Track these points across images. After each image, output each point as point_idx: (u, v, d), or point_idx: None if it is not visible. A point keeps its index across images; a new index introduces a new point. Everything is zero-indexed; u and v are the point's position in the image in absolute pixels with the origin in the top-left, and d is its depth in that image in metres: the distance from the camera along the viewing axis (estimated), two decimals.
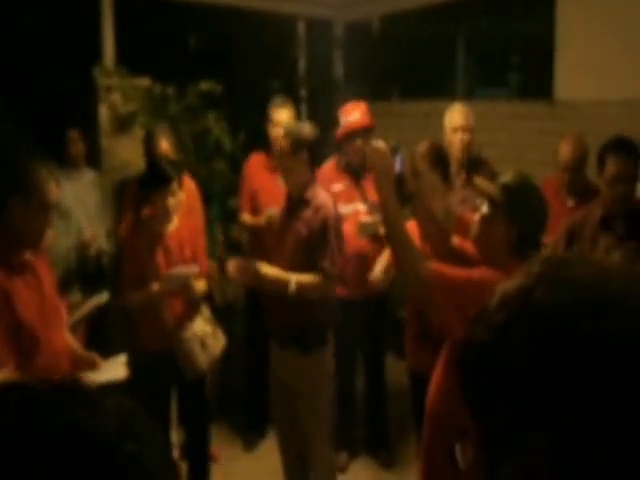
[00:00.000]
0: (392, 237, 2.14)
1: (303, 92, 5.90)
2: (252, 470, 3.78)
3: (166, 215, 3.00)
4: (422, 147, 2.68)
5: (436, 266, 2.08)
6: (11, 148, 3.79)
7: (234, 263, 2.91)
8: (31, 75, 4.71)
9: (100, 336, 3.70)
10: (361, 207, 3.61)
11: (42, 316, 2.31)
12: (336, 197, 3.22)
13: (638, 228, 2.90)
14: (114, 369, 2.65)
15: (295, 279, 2.82)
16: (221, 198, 4.55)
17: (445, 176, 2.68)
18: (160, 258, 3.04)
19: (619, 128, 3.22)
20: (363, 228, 3.48)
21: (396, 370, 3.99)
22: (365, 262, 3.42)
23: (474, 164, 3.67)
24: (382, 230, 3.13)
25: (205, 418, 3.36)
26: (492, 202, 2.15)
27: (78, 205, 3.98)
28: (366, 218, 3.53)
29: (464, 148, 3.67)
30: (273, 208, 3.52)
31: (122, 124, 4.37)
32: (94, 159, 4.36)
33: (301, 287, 2.82)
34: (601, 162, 2.91)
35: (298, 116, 4.10)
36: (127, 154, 4.30)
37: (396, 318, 2.99)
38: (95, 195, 4.16)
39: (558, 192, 3.44)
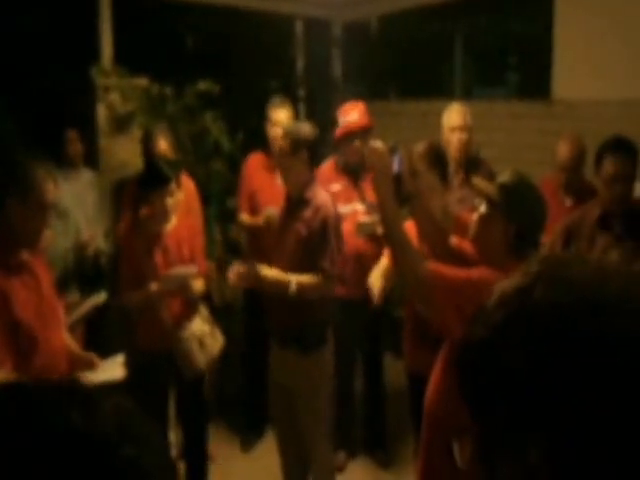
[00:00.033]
0: (390, 237, 2.14)
1: (301, 92, 5.91)
2: (250, 470, 3.78)
3: (164, 215, 3.00)
4: (420, 147, 2.68)
5: (434, 266, 2.08)
6: (9, 148, 3.79)
7: (235, 270, 2.90)
8: (29, 75, 4.70)
9: (98, 336, 3.70)
10: (359, 207, 3.61)
11: (40, 316, 2.31)
12: (334, 197, 3.22)
13: (636, 228, 2.91)
14: (112, 369, 2.65)
15: (295, 280, 2.82)
16: (219, 198, 4.54)
17: (443, 176, 2.68)
18: (158, 258, 3.04)
19: (617, 128, 3.22)
20: (360, 228, 3.49)
21: (394, 370, 3.99)
22: (363, 262, 3.43)
23: (472, 164, 3.68)
24: (380, 230, 3.13)
25: (203, 418, 3.36)
26: (490, 202, 2.15)
27: (76, 205, 3.98)
28: (364, 218, 3.53)
29: (462, 148, 3.67)
30: (271, 208, 3.52)
31: (120, 124, 4.37)
32: (92, 159, 4.36)
33: (301, 288, 2.82)
34: (599, 162, 2.92)
35: (296, 116, 4.10)
36: (125, 154, 4.30)
37: (394, 318, 2.99)
38: (93, 195, 4.16)
39: (556, 192, 3.44)
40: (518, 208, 2.10)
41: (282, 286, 2.82)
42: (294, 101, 4.35)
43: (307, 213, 2.88)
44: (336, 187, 3.59)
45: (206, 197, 4.05)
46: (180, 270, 3.03)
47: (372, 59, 6.15)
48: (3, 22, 4.47)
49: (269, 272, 2.87)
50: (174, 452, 3.47)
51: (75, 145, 4.08)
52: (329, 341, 3.00)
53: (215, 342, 3.18)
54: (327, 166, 3.72)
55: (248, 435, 4.05)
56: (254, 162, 3.99)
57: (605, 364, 0.60)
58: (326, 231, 2.86)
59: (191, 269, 3.06)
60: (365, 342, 3.80)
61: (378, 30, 6.24)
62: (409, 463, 3.36)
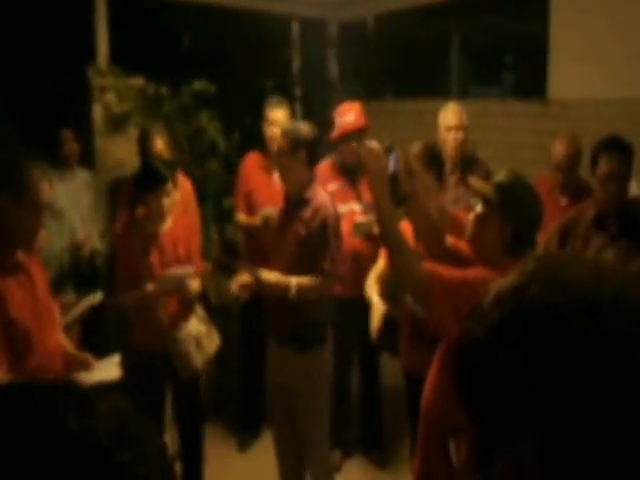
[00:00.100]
0: (386, 238, 2.14)
1: (297, 92, 5.90)
2: (246, 470, 3.77)
3: (160, 215, 3.00)
4: (416, 147, 2.68)
5: (431, 266, 2.08)
6: (4, 148, 3.78)
7: (239, 281, 2.89)
8: (24, 74, 4.69)
9: (94, 336, 3.69)
10: (356, 207, 3.61)
11: (35, 317, 2.30)
12: (332, 197, 3.22)
13: (630, 227, 2.91)
14: (108, 369, 2.65)
15: (295, 282, 2.81)
16: (215, 198, 4.54)
17: (439, 176, 2.69)
18: (154, 258, 3.03)
19: (613, 128, 3.23)
20: (357, 228, 3.49)
21: (391, 370, 3.98)
22: (360, 261, 3.43)
23: (468, 163, 3.69)
24: (376, 230, 3.13)
25: (199, 418, 3.36)
26: (486, 201, 2.16)
27: (72, 205, 3.96)
28: (361, 218, 3.53)
29: (458, 147, 3.68)
30: (269, 208, 3.52)
31: (116, 124, 4.36)
32: (88, 159, 4.35)
33: (301, 290, 2.82)
34: (594, 161, 2.92)
35: (293, 116, 4.10)
36: (121, 154, 4.29)
37: (391, 318, 2.98)
38: (89, 195, 4.15)
39: (551, 191, 3.45)
40: (514, 208, 2.10)
41: (282, 289, 2.82)
42: (290, 101, 4.35)
43: (306, 213, 2.87)
44: (333, 187, 3.58)
45: (202, 197, 4.05)
46: (177, 270, 3.03)
47: (368, 59, 6.15)
48: None
49: (269, 276, 2.86)
50: (170, 452, 3.46)
51: (71, 145, 4.07)
52: (328, 340, 3.00)
53: (211, 342, 3.18)
54: (324, 166, 3.72)
55: (245, 435, 4.05)
56: (251, 162, 3.99)
57: (601, 363, 0.60)
58: (326, 231, 2.85)
59: (188, 269, 3.06)
60: (361, 341, 3.80)
61: (374, 30, 6.25)
62: (406, 463, 3.36)
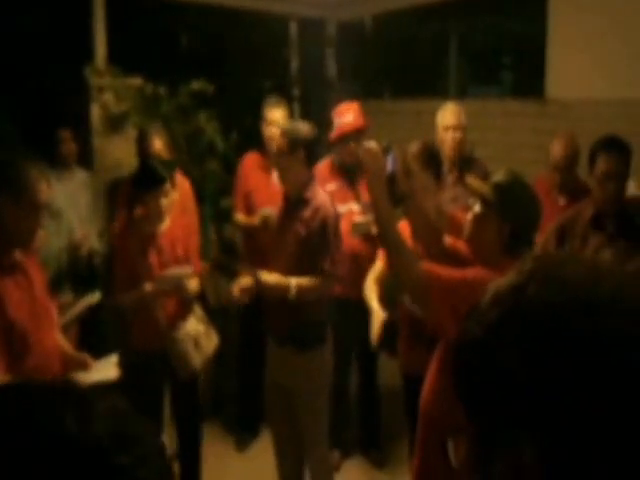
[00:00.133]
0: (385, 238, 2.13)
1: (296, 92, 5.90)
2: (244, 470, 3.77)
3: (158, 216, 3.00)
4: (414, 147, 2.68)
5: (429, 266, 2.08)
6: (3, 148, 3.77)
7: (240, 285, 2.89)
8: (22, 74, 4.68)
9: (92, 336, 3.69)
10: (355, 207, 3.61)
11: (33, 317, 2.30)
12: (330, 197, 3.22)
13: (628, 227, 2.92)
14: (105, 369, 2.64)
15: (295, 283, 2.81)
16: (214, 198, 4.54)
17: (437, 175, 2.69)
18: (152, 258, 3.03)
19: (611, 127, 3.23)
20: (356, 228, 3.49)
21: (389, 370, 3.99)
22: (359, 261, 3.43)
23: (466, 163, 3.69)
24: (375, 230, 3.13)
25: (197, 418, 3.36)
26: (484, 201, 2.16)
27: (70, 205, 3.96)
28: (359, 218, 3.53)
29: (456, 146, 3.69)
30: (267, 208, 3.51)
31: (114, 124, 4.36)
32: (86, 159, 4.35)
33: (301, 290, 2.81)
34: (592, 160, 2.92)
35: (291, 115, 4.10)
36: (119, 154, 4.29)
37: (391, 323, 2.99)
38: (87, 195, 4.14)
39: (550, 191, 3.45)
40: (512, 207, 2.10)
41: (282, 290, 2.81)
42: (289, 101, 4.35)
43: (306, 213, 2.86)
44: (332, 187, 3.58)
45: (201, 197, 4.05)
46: (175, 270, 3.03)
47: (366, 59, 6.15)
48: None
49: (268, 277, 2.85)
50: (168, 452, 3.46)
51: (68, 145, 4.07)
52: (328, 340, 3.00)
53: (210, 342, 3.18)
54: (323, 166, 3.72)
55: (243, 435, 4.05)
56: (250, 162, 3.99)
57: (599, 363, 0.60)
58: (326, 231, 2.84)
59: (186, 269, 3.05)
60: (360, 341, 3.80)
61: (372, 30, 6.25)
62: (404, 463, 3.36)
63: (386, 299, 2.92)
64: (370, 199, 2.18)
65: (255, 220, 3.68)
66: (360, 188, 3.57)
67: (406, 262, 2.08)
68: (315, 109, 5.59)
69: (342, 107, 3.67)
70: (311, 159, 2.95)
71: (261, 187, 3.84)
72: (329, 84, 5.98)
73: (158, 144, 3.61)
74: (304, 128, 2.91)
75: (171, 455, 3.33)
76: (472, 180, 2.30)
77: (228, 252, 4.60)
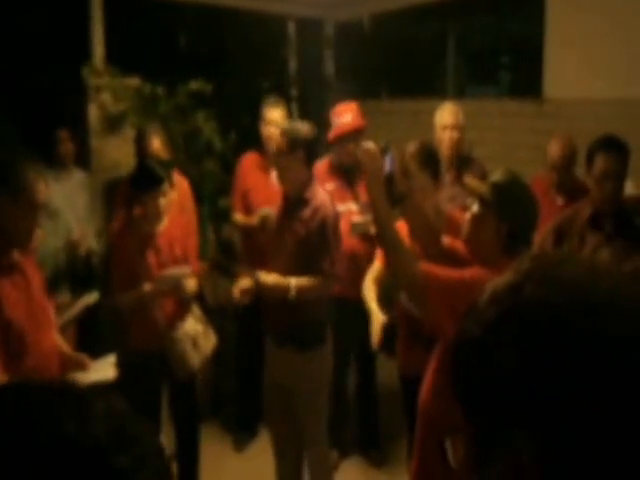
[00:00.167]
0: (383, 238, 2.14)
1: (294, 91, 5.90)
2: (242, 470, 3.77)
3: (157, 216, 3.00)
4: (412, 147, 2.68)
5: (427, 267, 2.08)
6: (2, 148, 3.77)
7: (240, 287, 2.89)
8: (20, 74, 4.68)
9: (90, 336, 3.68)
10: (353, 207, 3.61)
11: (30, 317, 2.30)
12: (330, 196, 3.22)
13: (626, 227, 2.92)
14: (103, 369, 2.64)
15: (295, 284, 2.80)
16: (212, 198, 4.54)
17: (435, 175, 2.69)
18: (151, 258, 3.03)
19: (609, 127, 3.23)
20: (354, 228, 3.49)
21: (387, 369, 3.99)
22: (357, 261, 3.43)
23: (464, 162, 3.69)
24: (373, 229, 3.13)
25: (195, 418, 3.35)
26: (482, 201, 2.16)
27: (67, 205, 3.96)
28: (357, 218, 3.53)
29: (453, 146, 3.69)
30: (266, 208, 3.51)
31: (112, 124, 4.36)
32: (83, 159, 4.34)
33: (301, 291, 2.81)
34: (590, 160, 2.93)
35: (289, 115, 4.09)
36: (117, 154, 4.29)
37: (391, 325, 2.99)
38: (84, 195, 4.14)
39: (547, 191, 3.45)
40: (510, 207, 2.10)
41: (282, 290, 2.81)
42: (287, 100, 4.35)
43: (306, 213, 2.86)
44: (330, 187, 3.58)
45: (199, 197, 4.05)
46: (174, 271, 3.03)
47: (364, 58, 6.15)
48: None
49: (268, 278, 2.85)
50: (166, 452, 3.46)
51: (66, 145, 4.07)
52: (328, 340, 3.00)
53: (208, 342, 3.18)
54: (321, 165, 3.72)
55: (241, 435, 4.05)
56: (248, 162, 3.98)
57: (597, 363, 0.60)
58: (325, 231, 2.84)
59: (185, 269, 3.05)
60: (358, 341, 3.80)
61: (370, 30, 6.25)
62: (403, 463, 3.36)
63: (384, 299, 2.92)
64: (368, 199, 2.18)
65: (254, 220, 3.68)
66: (358, 188, 3.57)
67: (404, 262, 2.08)
68: (313, 109, 5.60)
69: (340, 107, 3.67)
70: (311, 159, 2.95)
71: (259, 187, 3.84)
72: (327, 84, 5.99)
73: (156, 144, 3.61)
74: (304, 128, 2.90)
75: (169, 455, 3.33)
76: (470, 180, 2.30)
77: (226, 252, 4.60)
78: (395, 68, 6.37)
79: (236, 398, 4.14)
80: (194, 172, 4.23)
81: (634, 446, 0.58)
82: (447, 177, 3.56)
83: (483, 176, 3.14)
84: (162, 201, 2.96)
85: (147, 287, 2.96)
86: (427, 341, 2.32)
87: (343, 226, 3.37)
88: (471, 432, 0.69)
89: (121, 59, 4.43)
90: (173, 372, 3.06)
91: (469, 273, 2.04)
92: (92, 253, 3.96)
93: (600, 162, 2.88)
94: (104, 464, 0.53)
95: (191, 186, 3.84)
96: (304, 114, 5.52)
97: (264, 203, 3.61)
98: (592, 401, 0.59)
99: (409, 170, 2.62)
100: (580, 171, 3.32)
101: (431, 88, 6.46)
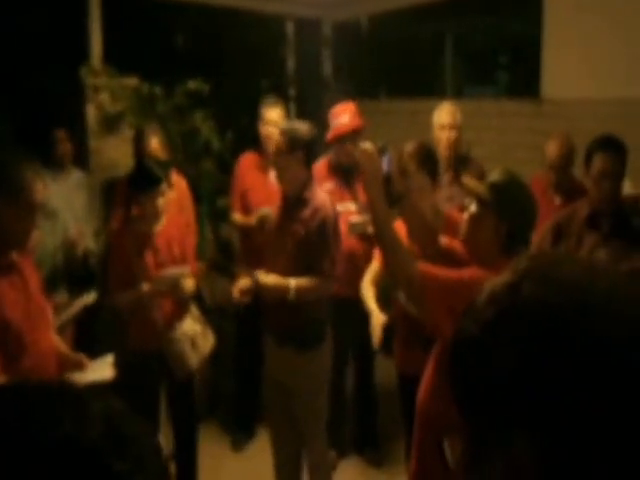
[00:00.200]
0: (381, 238, 2.13)
1: (292, 91, 5.91)
2: (240, 470, 3.77)
3: (155, 216, 2.99)
4: (410, 147, 2.68)
5: (425, 267, 2.08)
6: (1, 148, 3.76)
7: (239, 286, 2.89)
8: (18, 74, 4.68)
9: (88, 336, 3.68)
10: (352, 207, 3.61)
11: (28, 317, 2.29)
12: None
13: (623, 226, 2.92)
14: (101, 369, 2.64)
15: (294, 284, 2.80)
16: (210, 198, 4.54)
17: (433, 175, 2.69)
18: (149, 258, 3.03)
19: (607, 127, 3.24)
20: (352, 228, 3.49)
21: (385, 369, 3.99)
22: (355, 261, 3.43)
23: (462, 162, 3.69)
24: (371, 229, 3.13)
25: (193, 418, 3.35)
26: (481, 201, 2.16)
27: (65, 205, 3.95)
28: (356, 218, 3.53)
29: (451, 146, 3.69)
30: (265, 208, 3.51)
31: (110, 124, 4.35)
32: (81, 159, 4.34)
33: (300, 291, 2.80)
34: (588, 159, 2.93)
35: (287, 115, 4.09)
36: (114, 154, 4.29)
37: (390, 325, 3.00)
38: (82, 195, 4.14)
39: (545, 190, 3.46)
40: (509, 207, 2.10)
41: (281, 291, 2.81)
42: (285, 100, 4.35)
43: (305, 213, 2.85)
44: (328, 186, 3.58)
45: (197, 196, 4.05)
46: (172, 271, 3.03)
47: (362, 58, 6.16)
48: None
49: (267, 279, 2.84)
50: (164, 452, 3.45)
51: (64, 145, 4.06)
52: (328, 339, 2.99)
53: (206, 342, 3.18)
54: (320, 165, 3.72)
55: (239, 435, 4.04)
56: (247, 161, 3.98)
57: (595, 363, 0.60)
58: (325, 232, 2.83)
59: (183, 270, 3.05)
60: (356, 341, 3.80)
61: (368, 30, 6.26)
62: (401, 462, 3.36)
63: (382, 299, 2.92)
64: (367, 200, 2.18)
65: (252, 220, 3.68)
66: (357, 188, 3.57)
67: (402, 262, 2.08)
68: (311, 109, 5.60)
69: (338, 108, 3.67)
70: (310, 159, 2.94)
71: (258, 187, 3.84)
72: (325, 84, 5.99)
73: (154, 144, 3.61)
74: (303, 128, 2.90)
75: (167, 455, 3.32)
76: (468, 180, 2.30)
77: (224, 252, 4.60)
78: (393, 68, 6.38)
79: (234, 398, 4.14)
80: (192, 172, 4.23)
81: (633, 445, 0.59)
82: (445, 177, 3.56)
83: (481, 176, 3.14)
84: (160, 201, 2.96)
85: (145, 287, 2.95)
86: (425, 341, 2.32)
87: (341, 226, 3.38)
88: (469, 432, 0.69)
89: (119, 59, 4.43)
90: (171, 372, 3.06)
91: (467, 273, 2.04)
92: (90, 253, 3.96)
93: (598, 162, 2.88)
94: (101, 465, 0.53)
95: (189, 186, 3.84)
96: (302, 114, 5.52)
97: (263, 203, 3.61)
98: (591, 401, 0.59)
99: (407, 170, 2.62)
100: (578, 171, 3.32)
101: (429, 88, 6.47)
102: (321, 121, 3.98)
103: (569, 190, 3.46)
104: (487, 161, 3.75)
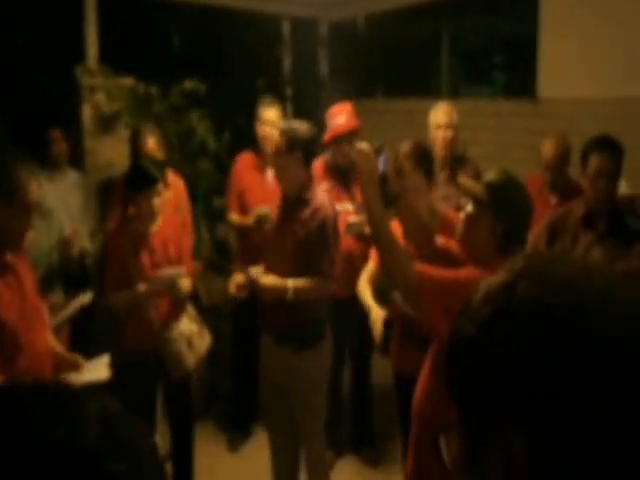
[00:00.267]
0: (378, 239, 2.13)
1: (288, 91, 5.91)
2: (237, 470, 3.77)
3: (151, 216, 2.99)
4: (406, 147, 2.68)
5: (422, 267, 2.08)
6: None
7: (235, 281, 2.88)
8: (13, 75, 4.67)
9: (84, 337, 3.67)
10: (349, 207, 3.61)
11: (23, 317, 2.29)
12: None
13: (618, 226, 2.93)
14: (97, 370, 2.63)
15: (293, 285, 2.79)
16: (206, 197, 4.53)
17: (429, 175, 2.69)
18: (145, 258, 3.02)
19: (603, 126, 3.25)
20: (349, 228, 3.49)
21: (382, 369, 3.99)
22: (352, 261, 3.43)
23: (458, 162, 3.70)
24: (368, 230, 3.13)
25: (190, 418, 3.35)
26: (477, 201, 2.16)
27: (61, 206, 3.94)
28: (353, 218, 3.53)
29: (447, 145, 3.70)
30: (262, 207, 3.51)
31: (106, 124, 4.35)
32: (77, 159, 4.33)
33: (299, 292, 2.80)
34: (584, 159, 2.94)
35: (284, 115, 4.09)
36: (110, 154, 4.28)
37: (390, 322, 3.00)
38: (78, 196, 4.12)
39: (541, 190, 3.47)
40: (505, 206, 2.10)
41: (280, 292, 2.80)
42: (281, 100, 4.35)
43: (305, 214, 2.84)
44: (326, 187, 3.58)
45: (193, 196, 4.04)
46: (169, 271, 3.02)
47: (359, 58, 6.16)
48: None
49: (266, 279, 2.84)
50: (161, 452, 3.45)
51: (60, 145, 4.05)
52: (327, 338, 2.99)
53: (203, 342, 3.18)
54: (317, 165, 3.71)
55: (236, 434, 4.04)
56: (244, 161, 3.98)
57: (590, 363, 0.60)
58: (324, 232, 2.83)
59: (179, 269, 3.05)
60: (353, 341, 3.80)
61: (365, 29, 6.26)
62: (398, 462, 3.37)
63: (379, 299, 2.92)
64: (363, 200, 2.18)
65: (249, 220, 3.68)
66: (354, 188, 3.57)
67: (399, 262, 2.08)
68: (307, 108, 5.60)
69: (335, 108, 3.67)
70: (309, 159, 2.93)
71: (255, 186, 3.84)
72: (321, 83, 5.99)
73: (151, 144, 3.60)
74: (303, 128, 2.88)
75: (164, 455, 3.32)
76: (464, 180, 2.30)
77: (221, 252, 4.59)
78: (389, 68, 6.38)
79: (231, 398, 4.14)
80: (188, 172, 4.23)
81: (631, 444, 0.59)
82: (441, 177, 3.56)
83: (477, 176, 3.15)
84: (156, 201, 2.96)
85: (142, 287, 2.95)
86: (422, 341, 2.32)
87: (340, 226, 3.38)
88: (466, 432, 0.69)
89: (115, 59, 4.42)
90: (168, 372, 3.05)
91: (464, 273, 2.05)
92: (85, 253, 3.95)
93: (594, 161, 2.89)
94: (97, 466, 0.53)
95: (186, 186, 3.84)
96: (298, 113, 5.52)
97: (260, 203, 3.61)
98: (587, 399, 0.59)
99: (403, 170, 2.62)
100: (574, 171, 3.32)
101: (425, 88, 6.48)
102: (318, 121, 3.98)
103: (565, 190, 3.47)
104: (483, 161, 3.76)
